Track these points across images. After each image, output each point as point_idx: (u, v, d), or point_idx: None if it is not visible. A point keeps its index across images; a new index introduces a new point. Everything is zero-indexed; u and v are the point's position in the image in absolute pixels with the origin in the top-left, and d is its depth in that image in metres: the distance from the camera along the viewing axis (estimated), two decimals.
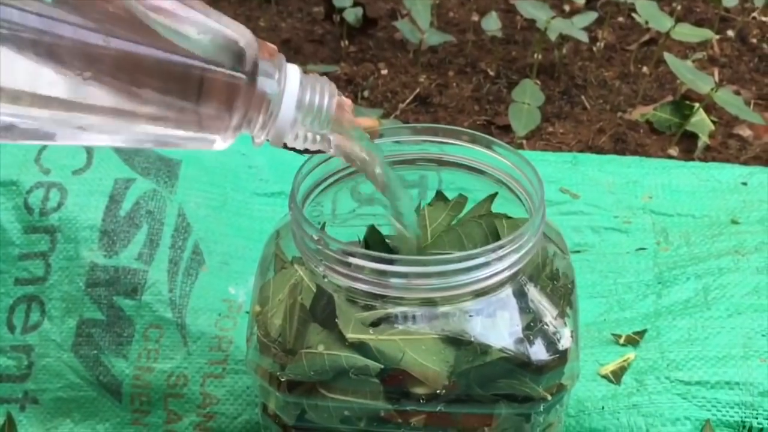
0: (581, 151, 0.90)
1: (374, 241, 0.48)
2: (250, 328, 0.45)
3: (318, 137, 0.40)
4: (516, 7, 1.01)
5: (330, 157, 0.45)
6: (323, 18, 1.14)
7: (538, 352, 0.40)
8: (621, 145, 0.91)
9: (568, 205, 0.71)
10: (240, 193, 0.69)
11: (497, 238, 0.44)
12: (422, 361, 0.39)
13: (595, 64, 1.05)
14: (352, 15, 1.06)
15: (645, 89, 1.00)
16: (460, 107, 0.98)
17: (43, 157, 0.63)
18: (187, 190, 0.65)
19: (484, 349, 0.40)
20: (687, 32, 0.94)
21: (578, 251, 0.68)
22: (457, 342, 0.40)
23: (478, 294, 0.40)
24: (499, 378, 0.41)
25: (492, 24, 1.03)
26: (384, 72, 1.04)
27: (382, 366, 0.39)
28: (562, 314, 0.42)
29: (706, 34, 0.96)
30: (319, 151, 0.43)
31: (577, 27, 0.97)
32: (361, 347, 0.39)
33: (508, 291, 0.41)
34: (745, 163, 0.87)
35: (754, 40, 1.09)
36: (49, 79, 0.33)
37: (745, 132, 0.93)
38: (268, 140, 0.40)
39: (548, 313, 0.42)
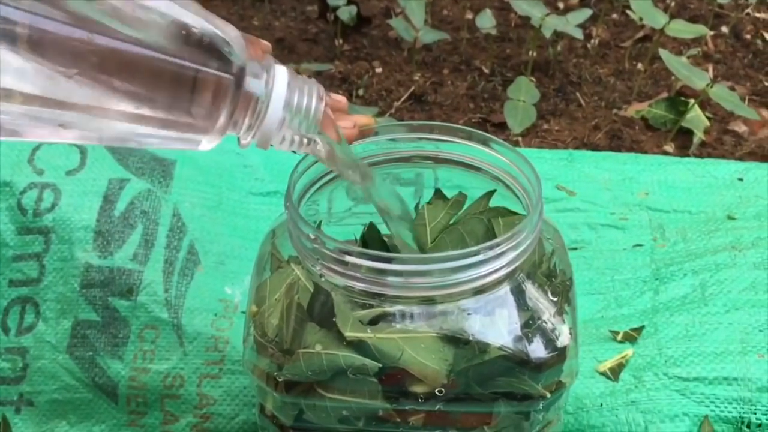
0: (577, 148, 0.90)
1: (372, 239, 0.48)
2: (247, 328, 0.44)
3: (305, 140, 0.39)
4: (510, 5, 1.00)
5: None
6: (317, 16, 1.13)
7: (537, 349, 0.40)
8: (616, 142, 0.91)
9: (564, 202, 0.71)
10: (235, 192, 0.69)
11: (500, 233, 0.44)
12: (421, 360, 0.38)
13: (589, 61, 1.05)
14: (346, 13, 1.06)
15: (640, 86, 1.00)
16: (455, 105, 0.98)
17: (36, 157, 0.63)
18: (181, 189, 0.65)
19: (483, 347, 0.40)
20: (681, 29, 0.95)
21: (575, 248, 0.68)
22: (455, 340, 0.40)
23: (477, 292, 0.40)
24: (498, 376, 0.40)
25: (486, 21, 1.03)
26: (378, 70, 1.04)
27: (381, 365, 0.39)
28: (560, 311, 0.42)
29: (700, 30, 0.96)
30: None
31: (571, 24, 0.97)
32: (359, 346, 0.39)
33: (506, 289, 0.41)
34: (741, 158, 0.87)
35: (748, 36, 1.09)
36: (31, 76, 0.32)
37: (740, 128, 0.93)
38: (254, 142, 0.39)
39: (546, 310, 0.41)
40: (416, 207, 0.49)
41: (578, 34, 0.97)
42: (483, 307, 0.40)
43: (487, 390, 0.41)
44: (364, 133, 0.45)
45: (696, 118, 0.90)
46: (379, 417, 0.42)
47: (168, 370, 0.58)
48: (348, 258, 0.39)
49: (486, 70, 1.03)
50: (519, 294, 0.41)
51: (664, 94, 0.98)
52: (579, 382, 0.55)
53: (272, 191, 0.70)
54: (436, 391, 0.40)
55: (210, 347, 0.59)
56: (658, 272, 0.65)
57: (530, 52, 1.02)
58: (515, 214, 0.46)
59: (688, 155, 0.88)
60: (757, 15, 1.13)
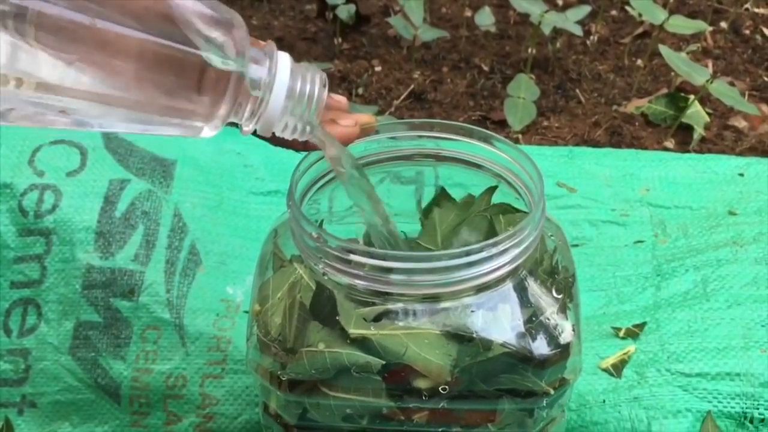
0: (577, 144, 0.90)
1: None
2: (250, 328, 0.44)
3: (307, 128, 0.39)
4: (509, 2, 1.00)
5: None
6: (316, 16, 1.13)
7: (540, 346, 0.40)
8: (617, 138, 0.91)
9: (565, 198, 0.71)
10: (236, 192, 0.69)
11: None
12: (425, 356, 0.38)
13: (589, 58, 1.05)
14: (345, 12, 1.06)
15: (639, 82, 1.00)
16: (455, 103, 0.98)
17: (36, 159, 0.63)
18: (182, 190, 0.65)
19: (487, 344, 0.40)
20: (681, 24, 0.94)
21: (576, 245, 0.68)
22: (459, 337, 0.40)
23: (480, 289, 0.40)
24: (501, 373, 0.40)
25: (485, 19, 1.03)
26: (378, 69, 1.03)
27: (384, 362, 0.39)
28: (563, 308, 0.42)
29: (699, 25, 0.96)
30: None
31: (570, 21, 0.97)
32: (363, 343, 0.39)
33: (509, 285, 0.41)
34: (741, 154, 0.87)
35: (747, 32, 1.09)
36: (33, 61, 0.32)
37: (741, 123, 0.93)
38: (256, 129, 0.39)
39: (549, 307, 0.41)
40: (418, 204, 0.49)
41: (577, 31, 0.97)
42: (486, 304, 0.40)
43: (491, 387, 0.41)
44: (365, 132, 0.45)
45: (696, 113, 0.90)
46: (382, 415, 0.42)
47: (170, 370, 0.58)
48: (351, 256, 0.39)
49: (485, 68, 1.03)
50: (522, 291, 0.41)
51: (664, 90, 0.98)
52: (581, 379, 0.55)
53: (273, 191, 0.70)
54: (440, 388, 0.40)
55: (212, 347, 0.59)
56: (659, 268, 0.65)
57: (529, 50, 1.02)
58: (517, 210, 0.46)
59: (688, 151, 0.88)
60: (756, 10, 1.12)
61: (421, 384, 0.39)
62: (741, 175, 0.73)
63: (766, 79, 1.01)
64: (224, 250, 0.64)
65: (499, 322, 0.40)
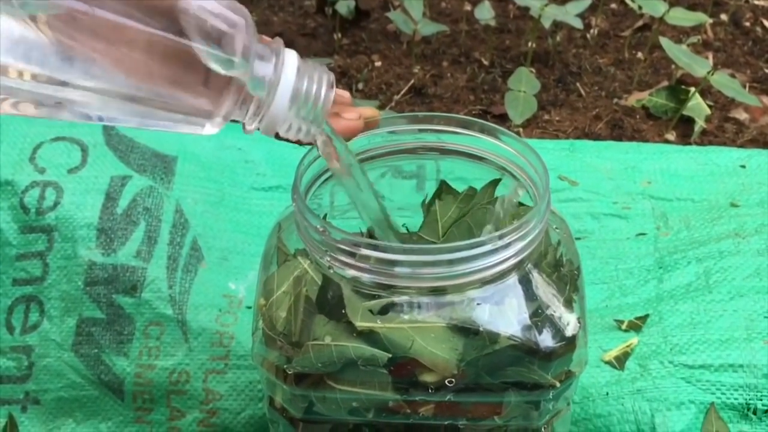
0: (578, 138, 0.90)
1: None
2: (256, 322, 0.44)
3: (312, 129, 0.39)
4: None
5: None
6: (315, 11, 1.13)
7: (546, 338, 0.40)
8: (618, 132, 0.91)
9: (567, 192, 0.71)
10: (237, 188, 0.68)
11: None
12: (431, 349, 0.38)
13: (589, 51, 1.04)
14: (345, 7, 1.06)
15: (640, 75, 1.00)
16: (456, 97, 0.97)
17: (38, 156, 0.62)
18: (183, 186, 0.65)
19: (492, 337, 0.40)
20: (681, 16, 0.94)
21: (578, 238, 0.68)
22: (465, 330, 0.40)
23: (485, 282, 0.40)
24: (507, 366, 0.40)
25: (485, 13, 1.03)
26: (378, 64, 1.03)
27: (390, 355, 0.39)
28: (568, 301, 0.42)
29: (700, 17, 0.96)
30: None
31: (571, 14, 0.97)
32: (369, 337, 0.39)
33: (514, 278, 0.41)
34: (742, 146, 0.87)
35: (748, 24, 1.09)
36: (30, 49, 0.32)
37: (742, 115, 0.93)
38: (258, 129, 0.38)
39: (555, 299, 0.41)
40: (423, 202, 0.49)
41: (578, 24, 0.97)
42: (492, 297, 0.40)
43: (497, 380, 0.41)
44: (369, 125, 0.45)
45: (697, 106, 0.90)
46: (389, 408, 0.42)
47: (174, 366, 0.58)
48: (357, 249, 0.39)
49: (485, 62, 1.03)
50: (527, 284, 0.41)
51: (665, 83, 0.98)
52: (584, 372, 0.55)
53: (274, 186, 0.70)
54: (446, 381, 0.40)
55: (215, 343, 0.59)
56: (661, 261, 0.65)
57: (530, 43, 1.02)
58: (521, 204, 0.46)
59: (689, 143, 0.88)
60: (756, 2, 1.12)
61: (427, 378, 0.39)
62: (743, 166, 0.72)
63: (766, 71, 1.01)
64: (226, 245, 0.64)
65: (504, 315, 0.40)
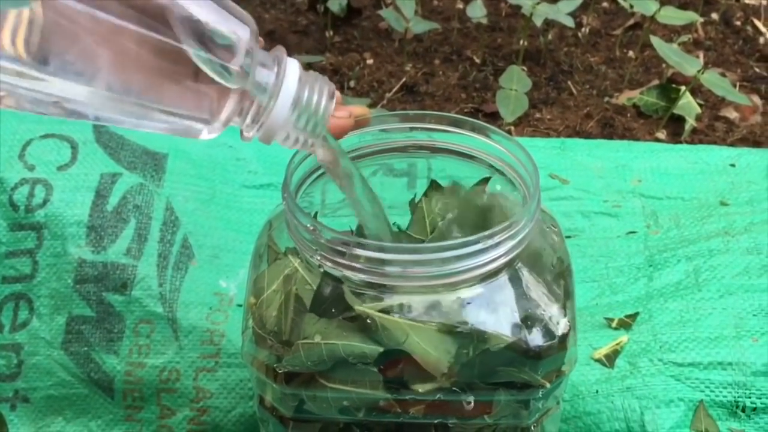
0: (569, 136, 0.90)
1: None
2: (246, 320, 0.44)
3: (309, 141, 0.38)
4: None
5: None
6: (307, 8, 1.13)
7: (536, 338, 0.40)
8: (608, 130, 0.91)
9: (557, 190, 0.71)
10: (228, 185, 0.68)
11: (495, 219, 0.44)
12: (424, 346, 0.38)
13: (580, 50, 1.05)
14: (337, 5, 1.05)
15: (631, 73, 1.00)
16: (447, 95, 0.97)
17: (27, 153, 0.62)
18: (174, 183, 0.65)
19: (483, 336, 0.40)
20: (672, 15, 0.95)
21: (569, 236, 0.68)
22: (455, 330, 0.40)
23: (475, 281, 0.40)
24: (498, 366, 0.40)
25: (477, 11, 1.03)
26: (369, 62, 1.03)
27: (381, 349, 0.39)
28: (559, 300, 0.42)
29: (691, 16, 0.96)
30: None
31: (562, 12, 0.97)
32: (365, 324, 0.39)
33: (504, 278, 0.41)
34: (732, 145, 0.87)
35: (738, 23, 1.10)
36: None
37: (732, 114, 0.93)
38: (257, 136, 0.38)
39: (545, 299, 0.41)
40: (412, 200, 0.49)
41: (569, 23, 0.97)
42: (482, 296, 0.40)
43: (488, 380, 0.41)
44: (359, 124, 0.45)
45: (687, 104, 0.90)
46: (379, 407, 0.42)
47: (164, 364, 0.58)
48: (346, 248, 0.39)
49: (477, 60, 1.03)
50: (517, 283, 0.41)
51: (656, 82, 0.98)
52: (574, 370, 0.55)
53: (265, 184, 0.70)
54: (437, 386, 0.40)
55: (206, 341, 0.58)
56: (651, 259, 0.65)
57: (521, 41, 1.02)
58: (511, 202, 0.46)
59: (680, 142, 0.88)
60: (747, 1, 1.13)
61: (417, 387, 0.39)
62: (732, 165, 0.73)
63: (756, 70, 1.02)
64: (217, 243, 0.64)
65: (495, 315, 0.40)
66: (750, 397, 0.55)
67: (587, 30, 1.07)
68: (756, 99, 0.96)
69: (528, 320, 0.40)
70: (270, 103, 0.36)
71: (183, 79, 0.35)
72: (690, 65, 0.86)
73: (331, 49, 1.05)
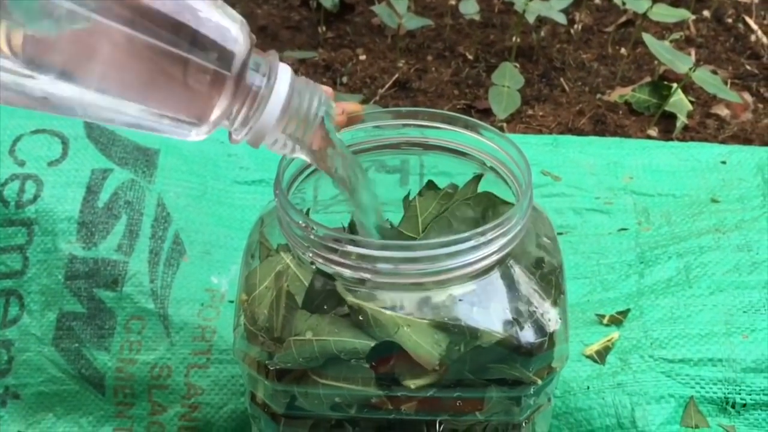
0: (561, 133, 0.90)
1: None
2: (237, 317, 0.44)
3: (298, 147, 0.38)
4: None
5: None
6: (299, 4, 1.12)
7: (528, 335, 0.40)
8: (601, 127, 0.92)
9: (549, 187, 0.71)
10: (220, 181, 0.68)
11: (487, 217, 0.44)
12: (416, 338, 0.38)
13: (573, 47, 1.05)
14: (329, 0, 1.05)
15: (623, 71, 1.00)
16: (440, 92, 0.97)
17: (17, 148, 0.62)
18: (165, 179, 0.64)
19: (474, 333, 0.40)
20: (664, 12, 0.95)
21: (560, 233, 0.68)
22: (446, 327, 0.40)
23: (467, 278, 0.40)
24: (489, 362, 0.41)
25: (470, 8, 1.03)
26: (362, 57, 1.03)
27: (372, 345, 0.39)
28: (550, 297, 0.42)
29: (683, 14, 0.96)
30: None
31: (555, 9, 0.97)
32: (357, 315, 0.39)
33: (496, 275, 0.41)
34: (723, 142, 0.88)
35: (730, 20, 1.10)
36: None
37: (723, 111, 0.94)
38: (246, 140, 0.38)
39: (537, 296, 0.42)
40: (406, 198, 0.49)
41: (562, 20, 0.97)
42: (474, 293, 0.40)
43: (479, 376, 0.41)
44: (352, 120, 0.44)
45: (679, 102, 0.91)
46: (371, 404, 0.42)
47: (155, 360, 0.58)
48: (339, 245, 0.39)
49: (470, 57, 1.03)
50: (509, 280, 0.41)
51: (647, 79, 0.98)
52: (566, 366, 0.55)
53: (257, 180, 0.69)
54: (429, 383, 0.40)
55: (197, 337, 0.58)
56: (643, 256, 0.66)
57: (514, 38, 1.02)
58: (502, 200, 0.46)
59: (671, 139, 0.89)
60: None
61: (409, 383, 0.39)
62: (723, 162, 0.73)
63: (748, 67, 1.02)
64: (208, 239, 0.64)
65: (486, 312, 0.40)
66: (740, 394, 0.56)
67: (579, 27, 1.07)
68: (747, 96, 0.96)
69: (520, 317, 0.40)
70: (260, 107, 0.36)
71: (173, 81, 0.35)
72: (682, 63, 0.86)
73: (323, 45, 1.05)
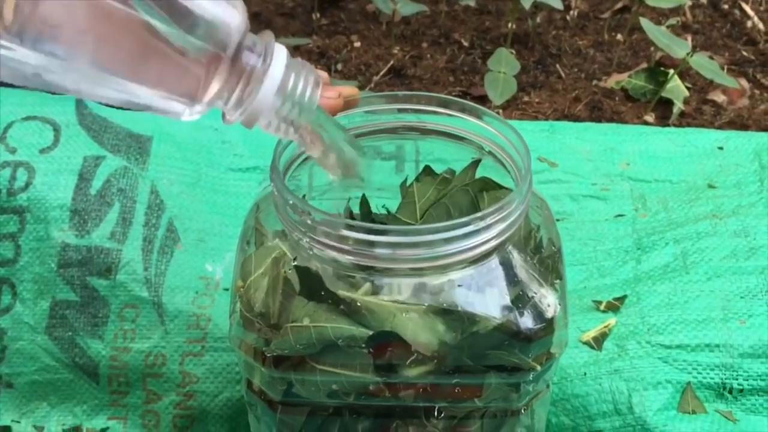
0: (557, 119, 0.90)
1: (361, 212, 0.47)
2: (233, 304, 0.44)
3: (291, 129, 0.38)
4: None
5: None
6: None
7: (527, 320, 0.40)
8: (597, 113, 0.91)
9: (546, 173, 0.71)
10: (214, 168, 0.67)
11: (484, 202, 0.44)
12: (413, 326, 0.38)
13: (569, 33, 1.04)
14: None
15: (619, 57, 1.00)
16: (435, 79, 0.97)
17: (8, 136, 0.61)
18: (159, 166, 0.64)
19: (473, 319, 0.39)
20: None
21: (558, 219, 0.68)
22: (445, 312, 0.39)
23: (466, 264, 0.39)
24: (488, 349, 0.40)
25: None
26: (357, 44, 1.02)
27: (371, 332, 0.39)
28: (549, 283, 0.42)
29: (679, 0, 0.96)
30: None
31: None
32: (350, 308, 0.39)
33: (495, 260, 0.40)
34: (720, 128, 0.88)
35: (726, 6, 1.10)
36: None
37: (720, 97, 0.94)
38: (239, 121, 0.38)
39: (536, 281, 0.41)
40: (402, 184, 0.49)
41: (558, 5, 0.97)
42: (472, 279, 0.40)
43: (478, 363, 0.41)
44: (348, 104, 0.44)
45: (676, 88, 0.90)
46: (369, 391, 0.41)
47: (149, 348, 0.57)
48: (336, 230, 0.38)
49: (465, 43, 1.02)
50: (508, 266, 0.41)
51: (644, 65, 0.98)
52: (563, 353, 0.55)
53: (252, 167, 0.69)
54: (427, 369, 0.40)
55: (192, 325, 0.58)
56: (639, 242, 0.65)
57: (509, 25, 1.01)
58: (500, 185, 0.46)
59: (668, 125, 0.88)
60: None
61: (408, 372, 0.39)
62: (720, 148, 0.73)
63: (744, 53, 1.02)
64: (203, 227, 0.63)
65: (485, 297, 0.40)
66: (737, 379, 0.56)
67: (575, 13, 1.07)
68: (743, 82, 0.96)
69: (519, 303, 0.40)
70: (255, 87, 0.36)
71: (168, 59, 0.34)
72: (679, 48, 0.86)
73: (317, 32, 1.04)
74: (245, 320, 0.42)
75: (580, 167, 0.71)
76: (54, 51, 0.32)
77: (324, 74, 0.43)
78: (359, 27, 1.05)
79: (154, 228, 0.60)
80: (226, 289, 0.59)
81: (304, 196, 0.48)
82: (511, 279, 0.41)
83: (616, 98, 0.93)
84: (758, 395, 0.56)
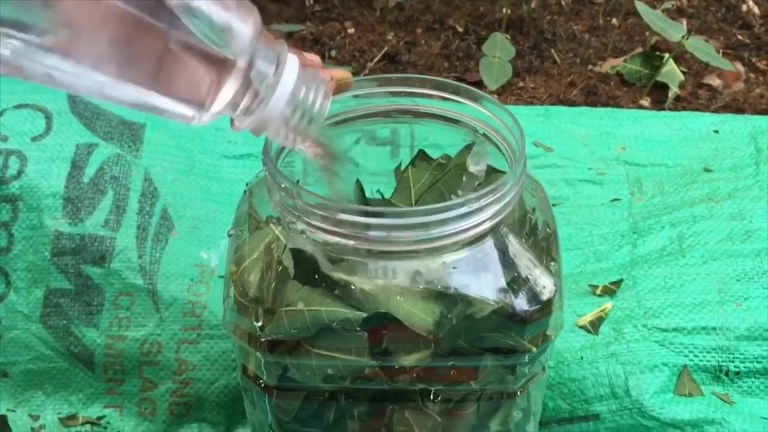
0: (553, 104, 0.89)
1: (356, 197, 0.47)
2: (227, 289, 0.44)
3: (299, 140, 0.38)
4: None
5: None
6: None
7: (522, 302, 0.40)
8: (592, 98, 0.91)
9: (542, 158, 0.71)
10: (208, 155, 0.67)
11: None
12: (408, 307, 0.38)
13: (563, 18, 1.04)
14: None
15: (614, 41, 0.99)
16: (430, 64, 0.96)
17: (0, 124, 0.60)
18: (152, 154, 0.63)
19: (469, 301, 0.39)
20: None
21: (553, 204, 0.67)
22: (440, 294, 0.39)
23: (461, 246, 0.39)
24: (484, 331, 0.40)
25: None
26: (351, 31, 1.02)
27: (365, 314, 0.38)
28: (544, 265, 0.42)
29: None
30: None
31: None
32: (344, 291, 0.38)
33: (490, 242, 0.40)
34: (715, 111, 0.87)
35: None
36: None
37: (715, 81, 0.93)
38: (249, 128, 0.38)
39: (531, 263, 0.41)
40: (397, 168, 0.48)
41: None
42: (467, 261, 0.40)
43: (474, 345, 0.40)
44: (340, 88, 0.44)
45: (671, 72, 0.90)
46: (364, 375, 0.41)
47: (145, 336, 0.57)
48: (331, 213, 0.38)
49: (460, 29, 1.02)
50: (503, 248, 0.40)
51: (639, 49, 0.98)
52: (559, 336, 0.55)
53: (246, 154, 0.69)
54: (423, 355, 0.39)
55: (187, 312, 0.58)
56: (635, 226, 0.65)
57: (504, 10, 1.01)
58: (495, 169, 0.46)
59: (663, 109, 0.88)
60: None
61: (403, 359, 0.39)
62: (716, 132, 0.73)
63: (739, 37, 1.02)
64: (197, 214, 0.63)
65: (480, 279, 0.40)
66: (733, 362, 0.56)
67: None
68: (739, 66, 0.96)
69: (514, 285, 0.40)
70: (267, 96, 0.36)
71: (182, 66, 0.34)
72: (674, 31, 0.85)
73: (311, 18, 1.03)
74: (239, 305, 0.42)
75: (576, 152, 0.71)
76: (70, 53, 0.32)
77: (316, 58, 0.43)
78: (353, 13, 1.04)
79: (148, 215, 0.60)
80: (222, 277, 0.58)
81: (297, 181, 0.47)
82: (506, 261, 0.40)
83: (612, 83, 0.93)
84: (755, 378, 0.56)
